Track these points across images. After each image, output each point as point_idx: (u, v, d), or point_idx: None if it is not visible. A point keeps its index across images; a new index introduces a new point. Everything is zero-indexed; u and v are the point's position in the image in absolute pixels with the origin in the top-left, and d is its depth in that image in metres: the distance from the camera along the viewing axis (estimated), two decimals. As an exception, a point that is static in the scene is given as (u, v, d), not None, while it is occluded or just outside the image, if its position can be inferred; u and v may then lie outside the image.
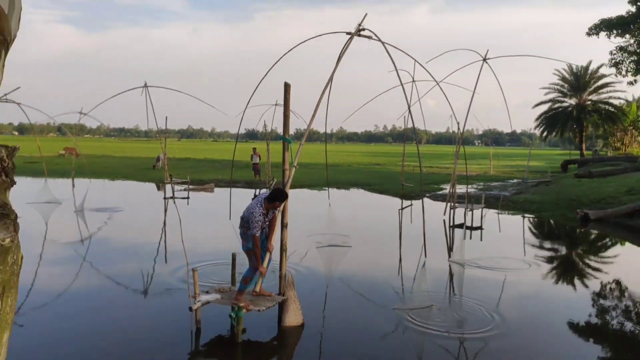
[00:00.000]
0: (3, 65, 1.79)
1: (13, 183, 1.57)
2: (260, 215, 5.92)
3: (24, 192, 17.61)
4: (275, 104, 24.37)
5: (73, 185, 23.10)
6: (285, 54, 7.62)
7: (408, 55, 8.41)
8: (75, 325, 6.41)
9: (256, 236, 5.98)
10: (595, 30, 24.96)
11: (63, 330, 6.29)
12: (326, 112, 8.34)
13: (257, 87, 8.14)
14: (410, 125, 11.21)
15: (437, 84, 9.77)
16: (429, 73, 9.27)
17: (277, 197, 6.03)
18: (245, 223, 6.10)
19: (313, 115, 6.90)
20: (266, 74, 7.64)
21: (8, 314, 1.43)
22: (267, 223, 6.21)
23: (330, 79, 7.12)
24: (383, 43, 7.52)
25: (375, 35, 7.37)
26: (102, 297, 7.56)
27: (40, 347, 5.72)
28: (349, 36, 7.34)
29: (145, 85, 18.71)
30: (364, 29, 7.37)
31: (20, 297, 1.46)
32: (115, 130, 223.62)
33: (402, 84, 8.71)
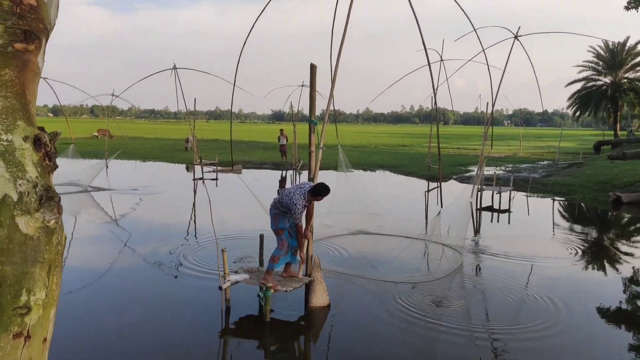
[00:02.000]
0: (44, 53, 1.86)
1: (56, 167, 1.65)
2: (302, 206, 6.09)
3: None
4: (302, 85, 24.34)
5: (107, 167, 23.71)
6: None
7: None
8: (109, 303, 6.67)
9: (300, 224, 6.21)
10: (634, 3, 23.88)
11: (97, 309, 6.55)
12: (333, 74, 8.21)
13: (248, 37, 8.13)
14: (435, 106, 11.01)
15: (467, 61, 9.56)
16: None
17: (321, 192, 6.18)
18: (283, 207, 6.22)
19: (332, 88, 6.89)
20: (258, 17, 7.63)
21: (54, 291, 1.53)
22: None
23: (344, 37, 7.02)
24: None
25: None
26: (134, 277, 7.82)
27: (78, 323, 5.98)
28: None
29: (174, 67, 18.92)
30: None
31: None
32: (146, 112, 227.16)
33: (429, 64, 8.55)
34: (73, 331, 5.67)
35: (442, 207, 10.55)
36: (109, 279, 7.72)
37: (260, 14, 8.16)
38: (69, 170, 16.70)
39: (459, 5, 8.79)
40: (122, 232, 10.99)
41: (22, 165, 1.47)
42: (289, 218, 6.32)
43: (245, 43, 8.22)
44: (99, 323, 5.97)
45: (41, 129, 1.79)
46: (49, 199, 1.49)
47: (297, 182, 13.97)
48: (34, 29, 1.67)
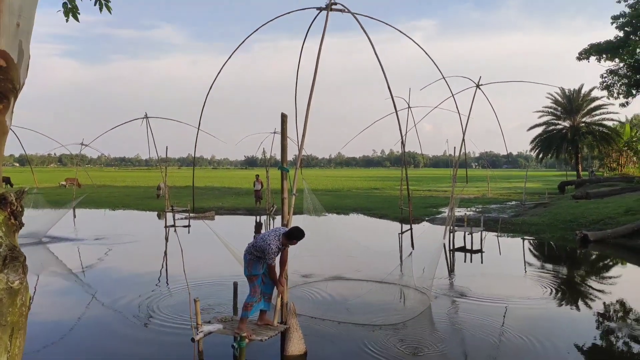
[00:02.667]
0: (12, 112, 1.87)
1: (22, 225, 1.63)
2: (276, 247, 6.09)
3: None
4: (274, 132, 24.63)
5: (74, 216, 23.10)
6: (254, 31, 7.93)
7: (385, 23, 8.48)
8: (74, 355, 6.36)
9: (272, 265, 6.22)
10: (585, 54, 25.48)
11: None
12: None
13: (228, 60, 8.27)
14: (404, 150, 11.34)
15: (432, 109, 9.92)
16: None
17: (296, 235, 6.19)
18: (257, 251, 6.19)
19: (304, 133, 6.99)
20: (242, 41, 7.79)
21: (17, 355, 1.47)
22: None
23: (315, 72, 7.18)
24: (354, 15, 7.52)
25: (347, 8, 7.46)
26: (104, 328, 7.51)
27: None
28: (320, 11, 7.47)
29: (146, 116, 18.94)
30: (335, 3, 7.45)
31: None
32: (116, 159, 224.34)
33: (396, 111, 8.82)
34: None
35: (413, 248, 10.64)
36: (74, 335, 7.38)
37: (226, 62, 8.36)
38: (27, 219, 16.14)
39: (429, 56, 9.21)
40: (86, 284, 10.61)
41: (-14, 225, 1.45)
42: (263, 263, 6.26)
43: (210, 89, 8.39)
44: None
45: (7, 179, 1.77)
46: (13, 259, 1.46)
47: (271, 228, 13.88)
48: (2, 89, 1.69)
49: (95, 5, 4.38)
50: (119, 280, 10.96)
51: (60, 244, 15.68)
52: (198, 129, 9.26)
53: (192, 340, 5.94)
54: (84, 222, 21.89)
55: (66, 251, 14.69)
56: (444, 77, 10.02)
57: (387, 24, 8.51)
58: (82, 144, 22.84)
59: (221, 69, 8.36)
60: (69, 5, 4.16)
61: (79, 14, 4.22)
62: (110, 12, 4.42)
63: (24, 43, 1.85)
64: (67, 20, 4.13)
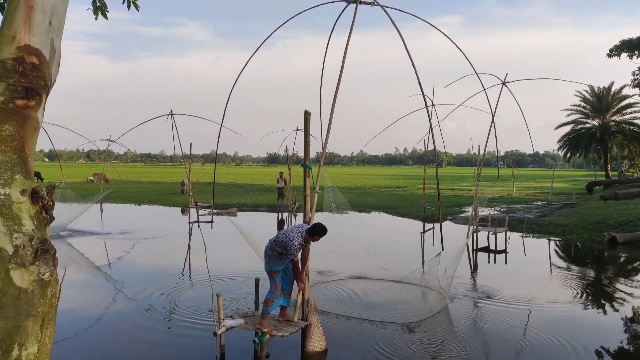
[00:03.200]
0: (44, 109, 1.92)
1: (52, 219, 1.68)
2: (298, 243, 6.13)
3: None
4: (297, 129, 24.71)
5: (101, 210, 23.62)
6: (280, 26, 7.93)
7: (415, 16, 8.37)
8: (100, 351, 6.51)
9: (296, 259, 6.26)
10: (616, 51, 24.80)
11: (90, 355, 6.39)
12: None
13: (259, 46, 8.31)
14: (430, 147, 11.23)
15: (457, 106, 9.80)
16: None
17: (318, 232, 6.24)
18: (279, 247, 6.23)
19: (328, 131, 6.98)
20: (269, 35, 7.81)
21: (47, 344, 1.52)
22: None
23: (341, 70, 7.11)
24: (383, 8, 7.48)
25: (376, 1, 7.42)
26: (128, 322, 7.66)
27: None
28: (348, 4, 7.43)
29: (171, 113, 19.20)
30: None
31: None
32: (142, 155, 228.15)
33: (426, 106, 8.77)
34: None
35: (443, 249, 10.55)
36: (99, 326, 7.56)
37: (249, 59, 8.39)
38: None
39: (460, 49, 9.07)
40: (111, 277, 10.84)
41: (18, 218, 1.50)
42: (284, 260, 6.31)
43: (233, 87, 8.39)
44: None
45: (37, 174, 1.83)
46: (44, 251, 1.51)
47: (293, 224, 13.94)
48: (35, 86, 1.74)
49: (123, 3, 4.46)
50: (143, 274, 11.16)
51: (87, 237, 16.05)
52: (221, 125, 9.32)
53: (214, 334, 6.02)
54: (111, 216, 22.35)
55: (93, 244, 15.03)
56: (476, 73, 9.82)
57: (417, 16, 8.38)
58: (109, 140, 23.32)
59: (245, 65, 8.39)
60: (98, 4, 4.25)
61: (107, 11, 4.30)
62: (138, 10, 4.49)
63: (55, 41, 1.90)
64: (96, 18, 4.22)
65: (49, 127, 20.64)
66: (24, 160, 1.68)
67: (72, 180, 41.49)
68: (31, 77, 1.73)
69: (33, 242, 1.51)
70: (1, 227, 1.46)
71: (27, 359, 1.42)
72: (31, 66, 1.73)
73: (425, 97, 8.42)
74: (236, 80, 8.39)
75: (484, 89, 10.36)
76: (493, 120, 10.69)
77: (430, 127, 9.24)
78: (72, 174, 51.31)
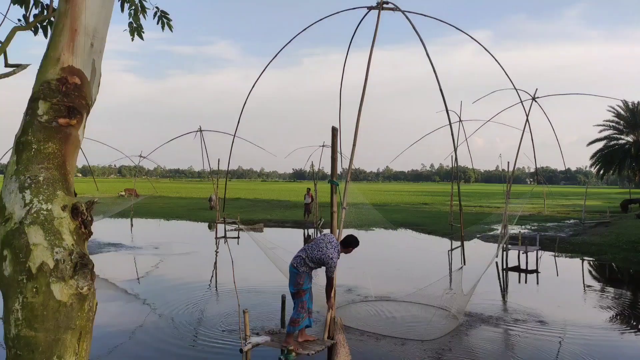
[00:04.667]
0: (84, 127, 1.99)
1: (91, 234, 1.73)
2: (337, 257, 6.09)
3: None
4: (322, 145, 24.82)
5: (131, 225, 24.09)
6: (299, 33, 7.95)
7: (441, 21, 8.32)
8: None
9: (333, 277, 6.17)
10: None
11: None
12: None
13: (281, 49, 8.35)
14: (455, 164, 11.08)
15: (485, 122, 9.69)
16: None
17: (352, 243, 6.27)
18: (313, 262, 6.13)
19: (354, 146, 6.97)
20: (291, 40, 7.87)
21: (84, 357, 1.55)
22: None
23: (366, 76, 7.13)
24: (405, 13, 7.45)
25: (398, 7, 7.40)
26: (155, 338, 7.73)
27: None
28: (370, 10, 7.45)
29: (200, 130, 19.57)
30: (387, 2, 7.41)
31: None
32: (171, 171, 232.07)
33: (450, 124, 8.67)
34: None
35: (464, 264, 10.34)
36: (125, 342, 7.65)
37: (266, 67, 8.47)
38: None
39: (495, 58, 8.94)
40: (141, 291, 10.99)
41: (59, 233, 1.55)
42: (312, 277, 6.26)
43: (248, 97, 8.38)
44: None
45: (81, 199, 1.89)
46: (83, 265, 1.55)
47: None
48: (76, 105, 1.81)
49: (157, 24, 4.59)
50: (170, 289, 11.27)
51: (118, 251, 16.36)
52: (234, 135, 9.19)
53: (240, 351, 6.01)
54: (141, 231, 22.76)
55: (123, 259, 15.31)
56: (514, 88, 9.70)
57: (444, 22, 8.31)
58: (140, 155, 23.86)
59: (260, 75, 8.41)
60: (134, 25, 4.39)
61: (143, 32, 4.44)
62: (172, 31, 4.62)
63: (96, 62, 1.98)
64: (132, 39, 4.36)
65: (84, 141, 21.28)
66: (65, 177, 1.74)
67: (104, 195, 42.52)
68: (73, 97, 1.79)
69: (72, 257, 1.55)
70: (43, 241, 1.51)
71: (65, 372, 1.45)
72: (73, 86, 1.79)
73: (450, 112, 8.32)
74: (252, 89, 8.39)
75: (521, 102, 10.22)
76: (530, 137, 10.51)
77: (454, 145, 9.11)
78: (104, 189, 52.60)
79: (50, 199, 1.61)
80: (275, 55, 8.28)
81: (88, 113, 1.99)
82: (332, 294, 6.46)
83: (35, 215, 1.48)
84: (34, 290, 1.41)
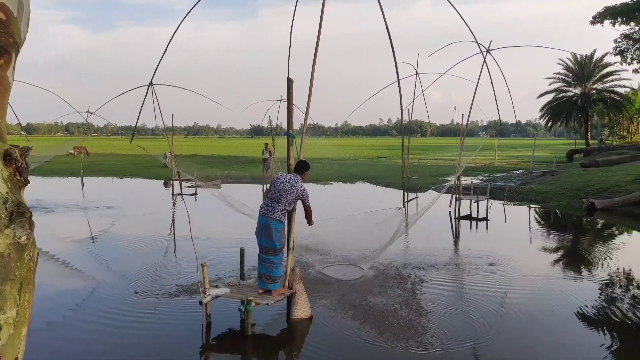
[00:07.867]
0: (14, 68, 1.84)
1: (27, 182, 1.62)
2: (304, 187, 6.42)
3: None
4: (280, 100, 24.44)
5: (82, 184, 23.29)
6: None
7: None
8: (85, 324, 6.51)
9: (309, 205, 6.53)
10: (599, 18, 24.75)
11: (72, 329, 6.39)
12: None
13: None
14: (411, 118, 11.21)
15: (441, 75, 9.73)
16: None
17: (304, 167, 6.57)
18: (289, 204, 6.30)
19: (309, 100, 6.90)
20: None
21: (26, 309, 1.49)
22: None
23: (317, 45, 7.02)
24: None
25: None
26: (113, 294, 7.64)
27: (51, 345, 5.82)
28: None
29: (151, 84, 18.72)
30: None
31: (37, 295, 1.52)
32: (122, 128, 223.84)
33: (398, 79, 8.48)
34: (51, 355, 5.51)
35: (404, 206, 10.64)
36: (82, 298, 7.53)
37: (189, 12, 8.15)
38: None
39: (457, 11, 8.85)
40: (94, 251, 10.77)
41: (-9, 181, 1.44)
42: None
43: (165, 51, 8.13)
44: (73, 345, 5.82)
45: (14, 147, 1.76)
46: (19, 214, 1.46)
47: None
48: (3, 44, 1.65)
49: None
50: (128, 247, 11.08)
51: (69, 211, 15.85)
52: (150, 85, 9.02)
53: (200, 303, 6.05)
54: (93, 190, 22.06)
55: (76, 219, 14.86)
56: (475, 40, 9.70)
57: None
58: (88, 111, 22.81)
59: (188, 12, 8.12)
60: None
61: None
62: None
63: (23, -4, 1.80)
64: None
65: (27, 93, 20.08)
66: (-5, 121, 1.61)
67: (50, 154, 40.63)
68: (-2, 34, 1.64)
69: (7, 205, 1.46)
70: (-27, 189, 1.41)
71: (6, 323, 1.39)
72: (-2, 22, 1.63)
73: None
74: (167, 46, 8.04)
75: (480, 53, 10.31)
76: (492, 86, 10.67)
77: (401, 101, 9.03)
78: (51, 147, 50.21)
79: (-21, 145, 1.49)
80: (195, 5, 7.87)
81: (17, 53, 1.84)
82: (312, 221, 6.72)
83: (-37, 162, 1.37)
84: (-33, 241, 1.33)
